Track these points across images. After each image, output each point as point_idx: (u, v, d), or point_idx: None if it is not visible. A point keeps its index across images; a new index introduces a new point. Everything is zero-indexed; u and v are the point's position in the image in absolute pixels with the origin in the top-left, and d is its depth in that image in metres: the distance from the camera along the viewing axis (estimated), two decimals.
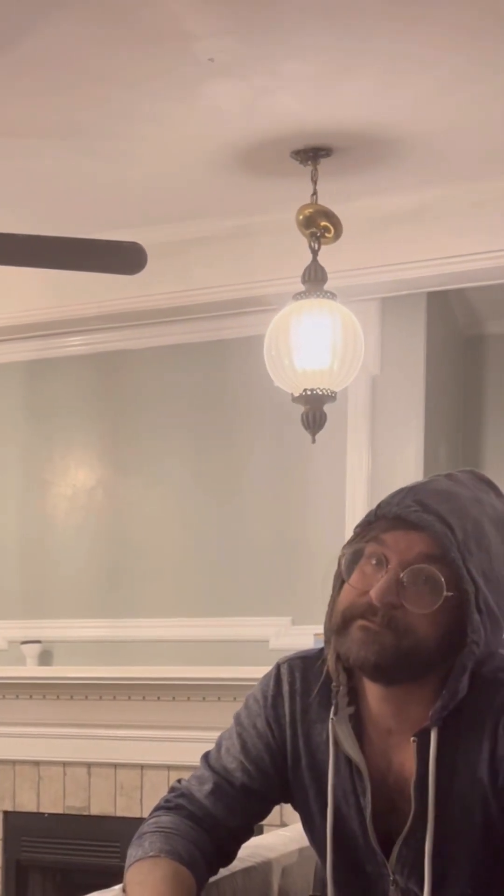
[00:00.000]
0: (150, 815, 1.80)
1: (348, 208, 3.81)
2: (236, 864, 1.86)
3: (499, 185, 3.90)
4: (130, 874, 1.68)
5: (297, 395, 3.73)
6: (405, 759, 1.68)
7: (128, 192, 3.99)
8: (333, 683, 1.72)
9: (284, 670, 1.80)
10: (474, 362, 4.72)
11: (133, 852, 1.71)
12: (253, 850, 1.97)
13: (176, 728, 4.26)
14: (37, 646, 4.57)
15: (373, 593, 1.61)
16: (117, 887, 1.71)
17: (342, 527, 4.06)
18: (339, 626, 1.65)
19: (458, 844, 1.66)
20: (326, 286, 3.70)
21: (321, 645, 1.75)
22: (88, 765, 4.49)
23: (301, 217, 3.67)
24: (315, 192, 3.70)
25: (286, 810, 1.87)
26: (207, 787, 1.79)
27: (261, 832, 2.22)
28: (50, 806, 4.55)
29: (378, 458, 4.21)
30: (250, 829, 1.84)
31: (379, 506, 1.68)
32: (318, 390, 3.69)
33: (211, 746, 1.85)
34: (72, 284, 4.25)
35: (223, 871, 1.83)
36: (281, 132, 3.54)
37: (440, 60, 3.12)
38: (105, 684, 4.40)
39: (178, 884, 1.65)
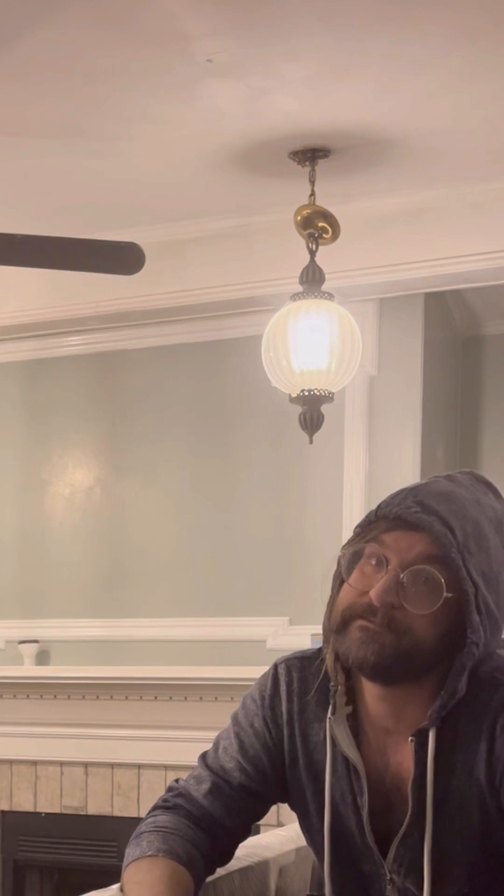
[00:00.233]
0: (148, 814, 1.80)
1: (346, 209, 3.81)
2: (234, 864, 1.87)
3: (497, 187, 3.90)
4: (128, 874, 1.68)
5: (294, 395, 3.73)
6: (403, 758, 1.69)
7: (126, 192, 3.99)
8: (331, 683, 1.72)
9: (282, 670, 1.80)
10: (472, 363, 4.72)
11: (131, 852, 1.71)
12: (250, 849, 1.98)
13: (173, 728, 4.26)
14: (34, 645, 4.58)
15: (373, 593, 1.62)
16: (115, 887, 1.71)
17: (339, 527, 4.06)
18: (338, 625, 1.66)
19: (455, 844, 1.66)
20: (324, 287, 3.70)
21: (318, 645, 1.75)
22: (85, 764, 4.49)
23: (299, 218, 3.68)
24: (313, 193, 3.70)
25: (283, 810, 1.87)
26: (205, 786, 1.79)
27: (258, 832, 2.23)
28: (47, 805, 4.56)
29: (375, 458, 4.21)
30: (248, 828, 1.84)
31: (379, 506, 1.68)
32: (315, 391, 3.69)
33: (208, 746, 1.85)
34: (70, 284, 4.25)
35: (220, 871, 1.83)
36: (279, 133, 3.54)
37: (438, 62, 3.13)
38: (102, 684, 4.40)
39: (175, 883, 1.65)
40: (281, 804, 1.85)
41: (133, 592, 4.51)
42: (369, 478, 4.19)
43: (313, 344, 3.66)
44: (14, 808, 4.60)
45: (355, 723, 1.72)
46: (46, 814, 4.56)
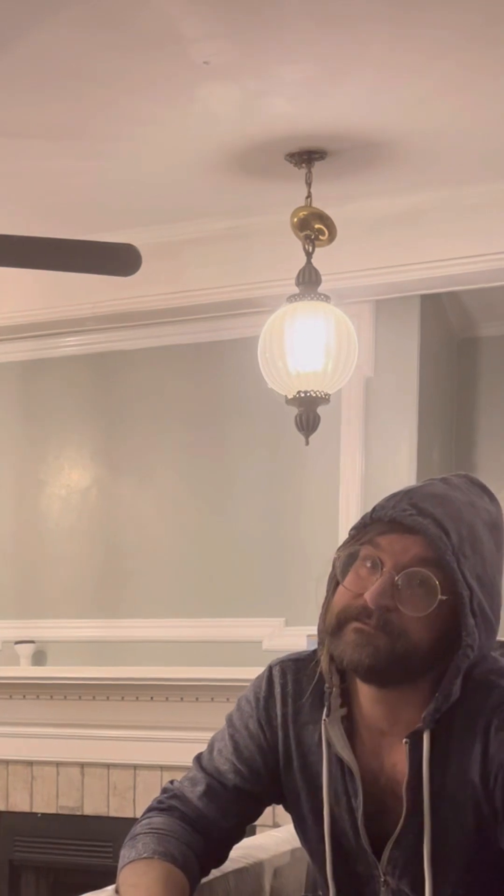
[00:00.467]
0: (143, 815, 1.81)
1: (342, 211, 3.82)
2: (228, 865, 1.87)
3: (492, 189, 3.91)
4: (124, 875, 1.69)
5: (290, 397, 3.73)
6: (397, 760, 1.69)
7: (123, 193, 4.00)
8: (326, 685, 1.72)
9: (276, 672, 1.80)
10: (468, 365, 4.72)
11: (126, 853, 1.72)
12: (245, 850, 1.98)
13: (169, 728, 4.26)
14: (30, 646, 4.58)
15: (368, 596, 1.62)
16: (110, 888, 1.71)
17: (335, 528, 4.07)
18: (333, 628, 1.66)
19: (449, 846, 1.67)
20: (320, 288, 3.71)
21: (314, 646, 1.76)
22: (82, 765, 4.49)
23: (295, 219, 3.68)
24: (309, 195, 3.70)
25: (279, 811, 1.88)
26: (200, 788, 1.80)
27: (253, 833, 2.23)
28: (43, 806, 4.56)
29: (371, 460, 4.22)
30: (242, 830, 1.84)
31: (374, 509, 1.68)
32: (311, 392, 3.69)
33: (204, 747, 1.86)
34: (66, 285, 4.25)
35: (215, 872, 1.84)
36: (275, 135, 3.55)
37: (433, 65, 3.13)
38: (98, 684, 4.40)
39: (171, 885, 1.65)
40: (276, 805, 1.86)
41: (129, 593, 4.52)
42: (365, 479, 4.20)
43: (309, 345, 3.67)
44: (10, 809, 4.60)
45: (350, 725, 1.72)
46: (42, 814, 4.56)
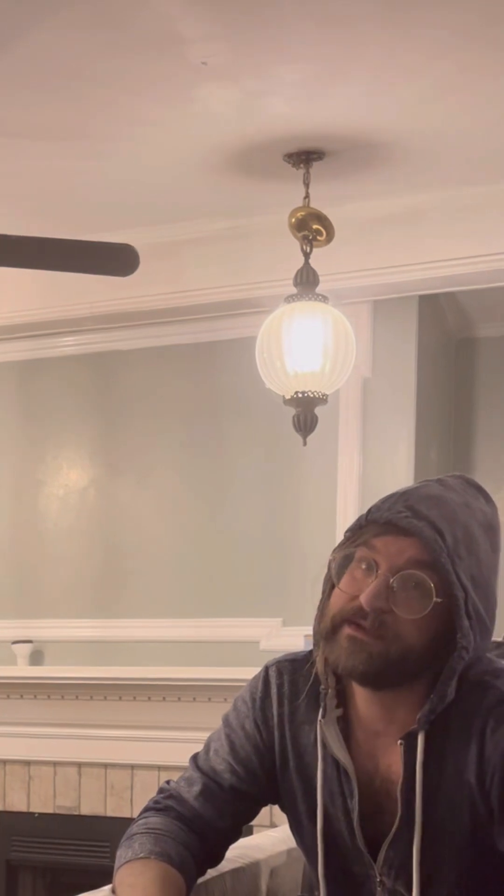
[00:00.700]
0: (139, 815, 1.81)
1: (340, 211, 3.82)
2: (225, 865, 1.87)
3: (490, 190, 3.91)
4: (120, 875, 1.69)
5: (288, 397, 3.73)
6: (392, 761, 1.69)
7: (121, 193, 4.00)
8: (322, 686, 1.73)
9: (273, 672, 1.80)
10: (465, 365, 4.72)
11: (123, 853, 1.72)
12: (242, 850, 1.98)
13: (167, 728, 4.26)
14: (28, 645, 4.58)
15: (363, 598, 1.62)
16: (106, 888, 1.71)
17: (333, 528, 4.07)
18: (328, 631, 1.66)
19: (445, 847, 1.67)
20: (318, 289, 3.71)
21: (311, 646, 1.76)
22: (79, 765, 4.49)
23: (293, 220, 3.68)
24: (307, 196, 3.71)
25: (276, 811, 1.88)
26: (196, 788, 1.80)
27: (250, 833, 2.23)
28: (40, 806, 4.56)
29: (369, 460, 4.22)
30: (239, 830, 1.84)
31: (369, 511, 1.68)
32: (309, 393, 3.70)
33: (201, 747, 1.86)
34: (65, 285, 4.25)
35: (212, 872, 1.84)
36: (273, 135, 3.55)
37: (431, 65, 3.14)
38: (96, 684, 4.40)
39: (168, 885, 1.65)
40: (273, 805, 1.86)
41: (127, 593, 4.52)
42: (363, 480, 4.20)
43: (307, 346, 3.67)
44: (7, 809, 4.60)
45: (346, 725, 1.72)
46: (39, 814, 4.56)
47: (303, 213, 3.68)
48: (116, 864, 1.72)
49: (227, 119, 3.43)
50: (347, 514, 4.09)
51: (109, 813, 4.44)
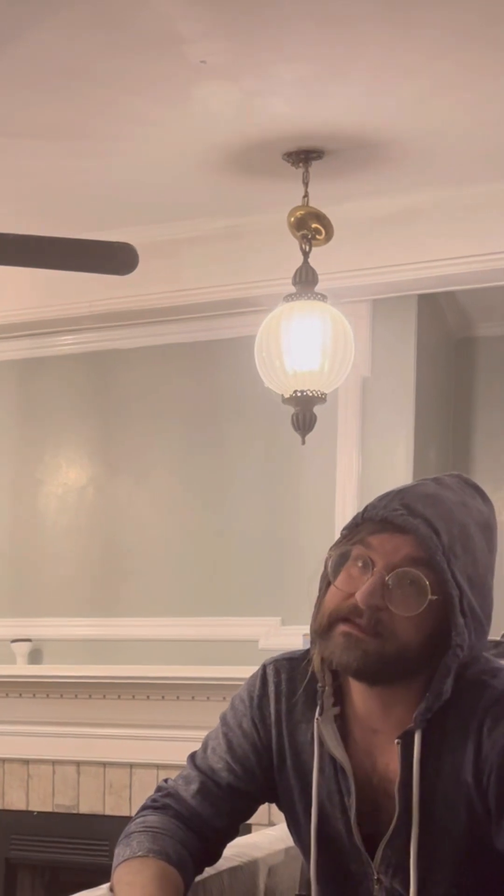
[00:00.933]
0: (137, 814, 1.81)
1: (339, 210, 3.82)
2: (223, 864, 1.87)
3: (489, 189, 3.91)
4: (118, 874, 1.69)
5: (287, 396, 3.74)
6: (389, 760, 1.69)
7: (120, 192, 4.00)
8: (319, 684, 1.73)
9: (270, 671, 1.80)
10: (464, 365, 4.73)
11: (121, 852, 1.72)
12: (240, 849, 1.98)
13: (165, 727, 4.26)
14: (27, 644, 4.58)
15: (358, 596, 1.62)
16: (104, 886, 1.71)
17: (332, 527, 4.06)
18: (324, 628, 1.66)
19: (442, 845, 1.67)
20: (317, 288, 3.71)
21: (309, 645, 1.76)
22: (77, 763, 4.50)
23: (292, 219, 3.69)
24: (306, 195, 3.71)
25: (274, 809, 1.88)
26: (194, 786, 1.80)
27: (248, 831, 2.23)
28: (39, 804, 4.56)
29: (368, 459, 4.22)
30: (236, 828, 1.84)
31: (366, 509, 1.68)
32: (308, 392, 3.70)
33: (199, 746, 1.86)
34: (63, 284, 4.25)
35: (210, 871, 1.84)
36: (272, 134, 3.55)
37: (430, 65, 3.14)
38: (95, 683, 4.41)
39: (166, 884, 1.65)
40: (271, 804, 1.86)
41: (126, 592, 4.52)
42: (362, 479, 4.20)
43: (306, 345, 3.67)
44: (6, 807, 4.61)
45: (343, 723, 1.72)
46: (38, 812, 4.57)
47: (302, 213, 3.68)
48: (114, 863, 1.72)
49: (227, 118, 3.44)
50: (346, 513, 4.09)
51: (108, 811, 4.44)
